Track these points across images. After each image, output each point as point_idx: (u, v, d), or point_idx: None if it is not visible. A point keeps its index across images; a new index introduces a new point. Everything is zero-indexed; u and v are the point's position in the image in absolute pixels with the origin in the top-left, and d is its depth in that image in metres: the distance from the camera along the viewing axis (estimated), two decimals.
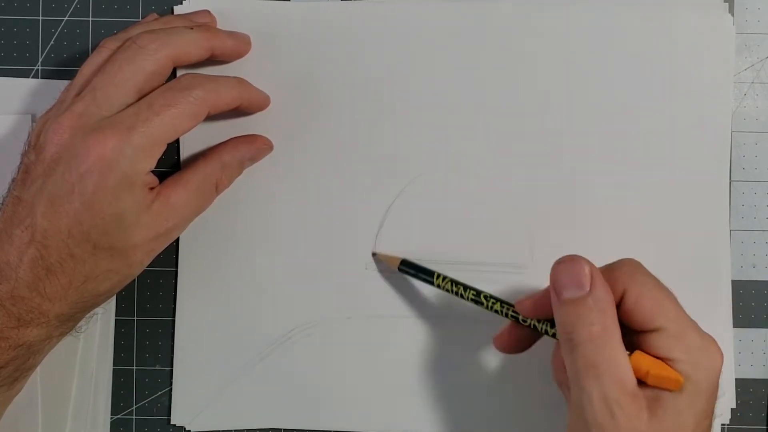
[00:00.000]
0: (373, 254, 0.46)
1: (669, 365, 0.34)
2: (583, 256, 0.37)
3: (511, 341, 0.40)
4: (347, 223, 0.46)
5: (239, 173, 0.44)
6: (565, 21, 0.45)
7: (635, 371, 0.34)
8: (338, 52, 0.46)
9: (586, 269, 0.36)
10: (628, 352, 0.35)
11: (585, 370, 0.34)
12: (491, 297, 0.41)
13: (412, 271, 0.44)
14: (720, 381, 0.35)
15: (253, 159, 0.45)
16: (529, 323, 0.39)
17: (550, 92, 0.45)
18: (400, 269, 0.44)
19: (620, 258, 0.37)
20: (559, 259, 0.37)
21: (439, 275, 0.43)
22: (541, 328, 0.39)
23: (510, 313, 0.40)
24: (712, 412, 0.35)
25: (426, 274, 0.43)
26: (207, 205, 0.43)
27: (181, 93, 0.39)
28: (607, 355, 0.34)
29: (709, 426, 0.35)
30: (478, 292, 0.41)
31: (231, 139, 0.44)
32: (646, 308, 0.35)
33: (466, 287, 0.42)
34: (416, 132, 0.46)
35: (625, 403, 0.34)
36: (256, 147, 0.44)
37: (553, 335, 0.38)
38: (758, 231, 0.46)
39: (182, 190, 0.41)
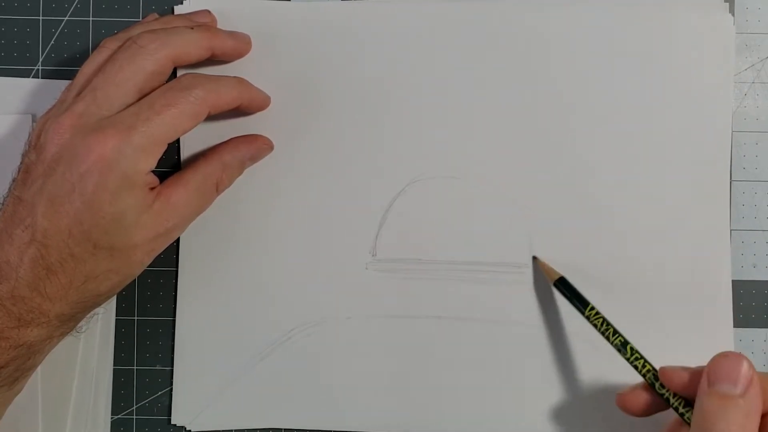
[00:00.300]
0: (534, 258, 0.45)
1: None
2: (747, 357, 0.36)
3: (637, 402, 0.40)
4: (347, 222, 0.46)
5: (240, 173, 0.44)
6: (565, 21, 0.45)
7: None
8: (338, 52, 0.46)
9: (746, 370, 0.35)
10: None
11: None
12: (637, 352, 0.40)
13: (566, 293, 0.43)
14: None
15: (254, 159, 0.45)
16: (664, 393, 0.39)
17: (550, 92, 0.45)
18: (555, 285, 0.43)
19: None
20: (724, 352, 0.37)
21: (592, 308, 0.41)
22: (674, 404, 0.38)
23: (649, 376, 0.40)
24: None
25: (579, 302, 0.42)
26: (207, 205, 0.43)
27: (181, 93, 0.39)
28: None
29: None
30: (625, 342, 0.40)
31: (231, 139, 0.44)
32: None
33: (615, 332, 0.41)
34: (416, 132, 0.46)
35: None
36: (257, 146, 0.44)
37: (682, 415, 0.38)
38: (758, 231, 0.46)
39: (183, 190, 0.41)
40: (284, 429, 0.46)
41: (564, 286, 0.43)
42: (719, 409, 0.35)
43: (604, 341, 0.41)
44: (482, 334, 0.45)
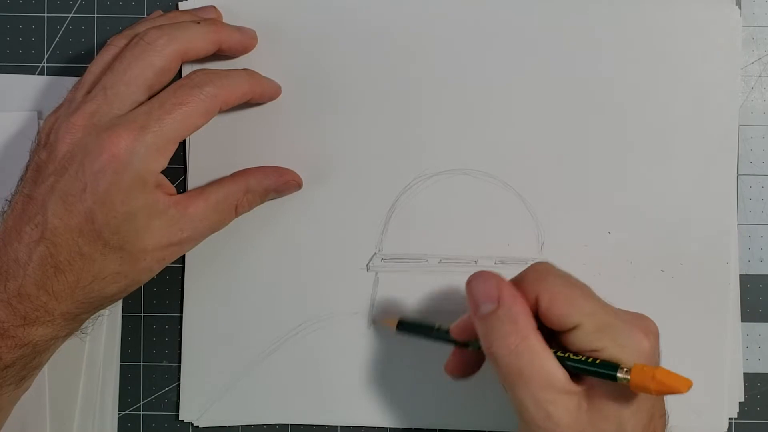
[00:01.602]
0: (374, 321, 0.46)
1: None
2: (496, 273, 0.37)
3: (458, 365, 0.41)
4: (353, 217, 0.46)
5: (261, 201, 0.44)
6: (571, 15, 0.45)
7: (637, 386, 0.34)
8: (344, 45, 0.46)
9: (494, 282, 0.36)
10: (554, 351, 0.35)
11: (512, 380, 0.35)
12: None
13: (408, 331, 0.44)
14: (659, 356, 0.36)
15: (279, 191, 0.44)
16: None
17: (556, 87, 0.45)
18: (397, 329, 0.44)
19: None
20: (470, 276, 0.37)
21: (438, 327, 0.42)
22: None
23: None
24: None
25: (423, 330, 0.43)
26: (224, 224, 0.42)
27: (192, 90, 0.39)
28: (527, 362, 0.35)
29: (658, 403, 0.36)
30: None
31: (263, 166, 0.44)
32: (559, 308, 0.35)
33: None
34: (423, 126, 0.46)
35: (559, 400, 0.34)
36: (284, 180, 0.44)
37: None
38: (766, 225, 0.46)
39: (202, 203, 0.41)
40: (291, 425, 0.46)
41: (404, 326, 0.44)
42: (489, 329, 0.36)
43: None
44: None
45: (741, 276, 0.45)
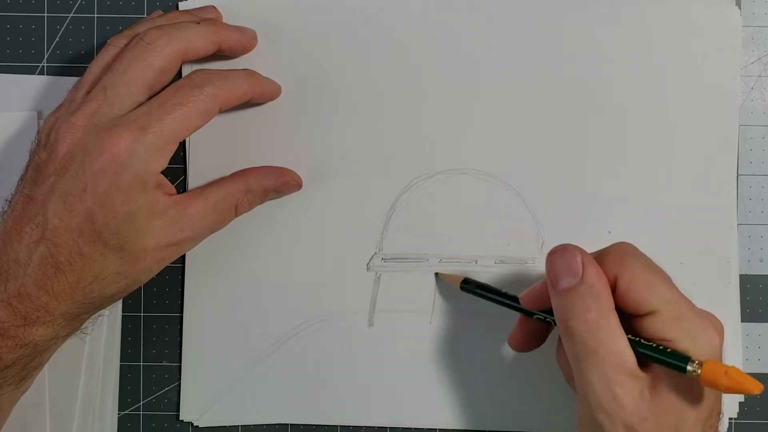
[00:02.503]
0: (436, 275, 0.46)
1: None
2: (578, 245, 0.37)
3: (522, 337, 0.41)
4: (354, 217, 0.46)
5: (261, 201, 0.44)
6: (571, 14, 0.45)
7: (707, 380, 0.34)
8: (345, 45, 0.46)
9: (578, 257, 0.36)
10: (630, 336, 0.35)
11: (584, 356, 0.35)
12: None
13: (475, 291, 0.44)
14: (724, 357, 0.36)
15: (278, 192, 0.44)
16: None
17: (556, 87, 0.45)
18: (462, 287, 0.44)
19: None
20: (552, 249, 0.37)
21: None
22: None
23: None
24: None
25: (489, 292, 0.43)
26: (223, 224, 0.42)
27: (192, 91, 0.39)
28: (603, 340, 0.35)
29: (718, 402, 0.36)
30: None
31: (263, 166, 0.44)
32: (638, 292, 0.35)
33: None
34: (422, 126, 0.46)
35: (626, 383, 0.34)
36: (284, 181, 0.44)
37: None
38: (765, 225, 0.46)
39: (201, 203, 0.41)
40: (291, 425, 0.46)
41: (469, 285, 0.44)
42: (569, 304, 0.36)
43: None
44: (490, 328, 0.45)
45: (741, 276, 0.45)
